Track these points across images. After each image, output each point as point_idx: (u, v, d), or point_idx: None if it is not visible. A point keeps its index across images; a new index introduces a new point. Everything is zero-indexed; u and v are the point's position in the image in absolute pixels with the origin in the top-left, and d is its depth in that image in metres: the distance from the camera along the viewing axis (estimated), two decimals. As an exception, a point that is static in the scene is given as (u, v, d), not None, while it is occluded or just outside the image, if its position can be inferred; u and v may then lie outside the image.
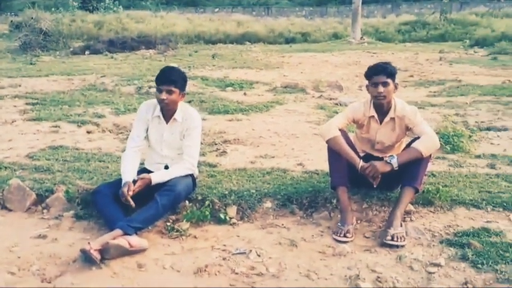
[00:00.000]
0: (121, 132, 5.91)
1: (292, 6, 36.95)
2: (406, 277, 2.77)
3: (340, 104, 7.50)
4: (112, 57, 14.31)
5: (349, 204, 3.42)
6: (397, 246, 3.09)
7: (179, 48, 16.97)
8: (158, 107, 3.59)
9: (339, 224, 3.34)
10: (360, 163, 3.36)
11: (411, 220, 3.45)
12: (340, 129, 3.48)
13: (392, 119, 3.57)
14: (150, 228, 3.32)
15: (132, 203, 3.23)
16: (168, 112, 3.55)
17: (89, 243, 2.88)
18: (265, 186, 3.88)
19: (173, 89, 3.43)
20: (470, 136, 5.16)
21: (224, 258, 3.01)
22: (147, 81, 9.14)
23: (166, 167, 3.61)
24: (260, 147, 5.22)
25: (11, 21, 23.10)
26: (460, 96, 8.18)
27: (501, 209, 3.53)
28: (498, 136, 5.57)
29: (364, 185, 3.66)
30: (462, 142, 4.92)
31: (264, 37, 21.42)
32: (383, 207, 3.60)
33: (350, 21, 21.30)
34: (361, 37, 20.13)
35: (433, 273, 2.79)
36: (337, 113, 6.92)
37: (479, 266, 2.81)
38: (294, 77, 10.32)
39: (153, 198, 3.28)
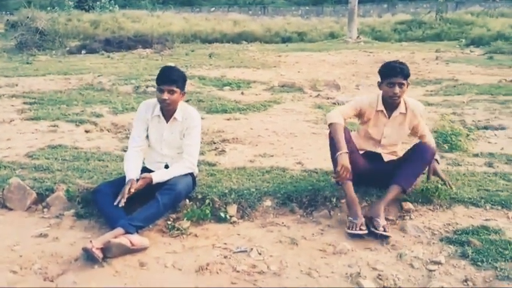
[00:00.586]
0: (119, 132, 5.91)
1: (289, 6, 36.99)
2: (407, 275, 2.79)
3: (338, 103, 7.52)
4: (109, 57, 14.29)
5: (356, 197, 3.44)
6: (388, 237, 3.19)
7: (176, 48, 16.96)
8: (157, 107, 3.60)
9: (350, 218, 3.34)
10: (341, 154, 3.37)
11: (410, 218, 3.47)
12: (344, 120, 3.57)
13: (402, 114, 3.65)
14: (151, 226, 3.33)
15: (123, 203, 3.22)
16: (168, 111, 3.56)
17: (90, 241, 2.89)
18: (265, 184, 3.89)
19: (175, 88, 3.44)
20: (467, 135, 5.19)
21: (225, 257, 3.02)
22: (144, 80, 9.14)
23: (167, 166, 3.62)
24: (259, 146, 5.23)
25: (7, 20, 23.04)
26: (456, 95, 8.23)
27: (499, 207, 3.56)
28: (495, 135, 5.61)
29: (363, 182, 3.69)
30: (460, 141, 4.96)
31: (261, 36, 21.44)
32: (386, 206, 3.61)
33: (346, 21, 21.35)
34: (358, 36, 20.18)
35: (434, 271, 2.81)
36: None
37: (479, 263, 2.83)
38: (291, 76, 10.34)
39: (154, 197, 3.29)
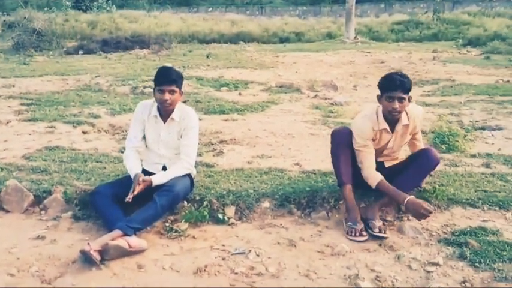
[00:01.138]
0: (117, 133, 5.90)
1: (286, 6, 36.97)
2: (405, 276, 2.80)
3: (336, 104, 7.52)
4: (106, 57, 14.25)
5: (355, 203, 3.43)
6: (384, 238, 3.21)
7: (173, 48, 16.92)
8: (155, 107, 3.59)
9: (349, 223, 3.34)
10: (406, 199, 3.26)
11: (408, 219, 3.48)
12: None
13: (406, 125, 3.51)
14: (149, 228, 3.33)
15: (131, 198, 3.24)
16: (166, 112, 3.55)
17: (88, 244, 2.88)
18: (263, 186, 3.89)
19: (175, 88, 3.45)
20: (465, 135, 5.19)
21: (223, 258, 3.02)
22: (142, 81, 9.12)
23: (164, 168, 3.61)
24: (257, 147, 5.23)
25: (4, 20, 22.91)
26: (454, 95, 8.24)
27: (497, 208, 3.57)
28: (492, 135, 5.62)
29: (361, 186, 3.68)
30: (457, 141, 4.96)
31: (258, 37, 21.42)
32: (381, 208, 3.61)
33: (343, 21, 21.35)
34: (355, 36, 20.18)
35: (432, 272, 2.82)
36: (332, 112, 6.99)
37: (477, 264, 2.84)
38: (288, 77, 10.33)
39: (152, 199, 3.29)
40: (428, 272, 2.82)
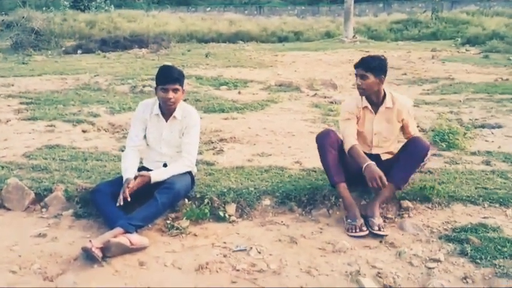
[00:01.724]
0: (117, 131, 5.90)
1: (284, 5, 36.95)
2: (406, 273, 2.80)
3: (335, 102, 7.52)
4: (105, 57, 14.25)
5: (352, 199, 3.46)
6: (383, 236, 3.21)
7: (172, 47, 16.92)
8: (156, 106, 3.59)
9: (348, 220, 3.35)
10: (369, 164, 3.35)
11: (409, 216, 3.48)
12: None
13: (389, 108, 3.63)
14: (150, 226, 3.33)
15: (122, 202, 3.22)
16: (168, 110, 3.55)
17: (90, 241, 2.88)
18: (264, 184, 3.89)
19: (178, 87, 3.45)
20: (465, 133, 5.21)
21: (225, 256, 3.02)
22: (141, 80, 9.12)
23: (165, 166, 3.62)
24: (257, 145, 5.23)
25: (2, 20, 22.88)
26: (453, 94, 8.25)
27: (497, 205, 3.57)
28: (492, 133, 5.63)
29: (361, 183, 3.69)
30: (457, 139, 4.97)
31: (257, 36, 21.42)
32: (381, 204, 3.62)
33: (342, 20, 21.36)
34: (354, 36, 20.19)
35: (433, 268, 2.82)
36: (332, 110, 7.00)
37: (478, 261, 2.85)
38: (288, 76, 10.34)
39: (153, 197, 3.29)
40: (430, 268, 2.83)
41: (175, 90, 3.45)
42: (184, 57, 13.79)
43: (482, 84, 9.00)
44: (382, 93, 3.63)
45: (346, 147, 3.54)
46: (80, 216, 3.50)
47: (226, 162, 4.53)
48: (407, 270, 2.83)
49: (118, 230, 3.03)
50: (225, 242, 3.19)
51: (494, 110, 6.80)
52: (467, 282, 2.70)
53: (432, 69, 11.28)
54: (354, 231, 3.26)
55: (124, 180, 3.34)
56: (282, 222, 3.49)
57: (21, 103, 7.27)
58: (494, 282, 2.67)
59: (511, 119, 6.23)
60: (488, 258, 2.85)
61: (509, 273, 2.71)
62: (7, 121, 6.13)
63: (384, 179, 3.27)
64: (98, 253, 2.83)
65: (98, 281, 2.72)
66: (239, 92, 8.50)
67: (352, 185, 3.61)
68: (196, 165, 3.89)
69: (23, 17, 17.72)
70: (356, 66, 3.59)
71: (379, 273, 2.79)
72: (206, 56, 13.84)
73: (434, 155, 4.73)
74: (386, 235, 3.22)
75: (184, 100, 7.12)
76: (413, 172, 3.63)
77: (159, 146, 3.62)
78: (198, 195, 3.66)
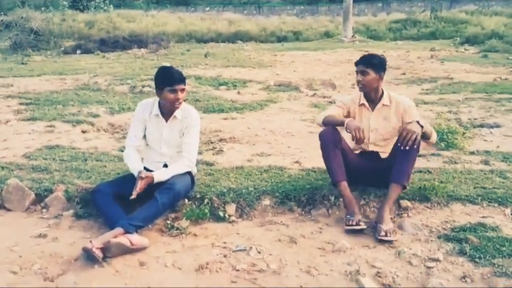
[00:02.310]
0: (116, 132, 5.91)
1: (284, 5, 36.96)
2: (406, 272, 2.81)
3: (334, 102, 7.52)
4: (104, 57, 14.26)
5: (353, 197, 3.46)
6: (391, 242, 3.15)
7: (171, 47, 16.94)
8: (156, 106, 3.60)
9: (347, 216, 3.36)
10: (348, 121, 3.47)
11: (408, 216, 3.49)
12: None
13: (386, 106, 3.68)
14: (150, 226, 3.34)
15: (135, 195, 3.25)
16: (170, 111, 3.56)
17: (90, 241, 2.89)
18: (263, 184, 3.90)
19: (184, 87, 3.49)
20: (463, 133, 5.22)
21: (225, 256, 3.03)
22: (141, 80, 9.12)
23: (165, 166, 3.62)
24: (256, 145, 5.25)
25: (1, 20, 22.88)
26: (452, 93, 8.27)
27: (496, 205, 3.58)
28: (491, 133, 5.64)
29: (361, 182, 3.71)
30: (456, 139, 4.99)
31: (256, 36, 21.46)
32: (380, 204, 3.63)
33: (341, 20, 21.38)
34: (353, 35, 20.22)
35: (432, 268, 2.83)
36: (331, 111, 7.02)
37: (477, 260, 2.86)
38: (287, 76, 10.35)
39: (153, 197, 3.30)
40: (429, 267, 2.84)
41: (182, 91, 3.48)
42: (183, 57, 13.81)
43: (481, 83, 9.01)
44: (381, 91, 3.70)
45: (319, 118, 3.65)
46: (81, 216, 3.50)
47: (226, 163, 4.54)
48: (407, 269, 2.84)
49: (118, 230, 3.04)
50: (225, 242, 3.20)
51: (493, 110, 6.81)
52: (466, 281, 2.71)
53: (431, 69, 11.30)
54: (350, 224, 3.29)
55: (136, 174, 3.37)
56: (281, 222, 3.50)
57: (20, 103, 7.27)
58: (493, 281, 2.68)
59: (509, 119, 6.25)
60: (487, 258, 2.86)
61: (507, 273, 2.72)
62: (7, 122, 6.14)
63: (361, 130, 3.36)
64: (99, 253, 2.84)
65: (99, 281, 2.73)
66: (238, 92, 8.51)
67: (353, 184, 3.61)
68: (196, 165, 3.90)
69: (22, 17, 17.71)
70: (357, 63, 3.68)
71: (378, 272, 2.80)
72: (205, 56, 13.85)
73: (433, 154, 4.75)
74: (391, 241, 3.15)
75: (184, 100, 7.16)
76: (413, 163, 3.45)
77: (159, 146, 3.63)
78: (198, 196, 3.67)
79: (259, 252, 3.06)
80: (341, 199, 3.58)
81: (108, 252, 2.91)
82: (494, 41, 16.24)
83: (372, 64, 3.59)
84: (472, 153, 4.82)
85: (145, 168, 3.66)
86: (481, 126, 5.95)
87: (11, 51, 15.54)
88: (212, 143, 5.28)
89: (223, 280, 2.78)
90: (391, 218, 3.40)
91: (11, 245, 3.12)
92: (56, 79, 9.72)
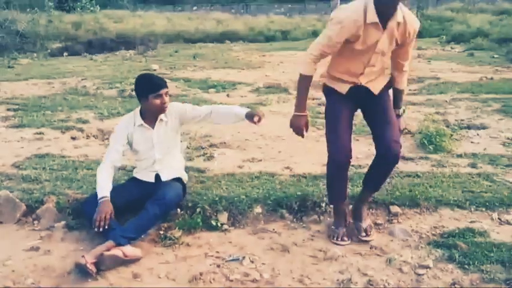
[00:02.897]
0: (106, 138, 5.87)
1: (271, 3, 37.01)
2: (396, 279, 2.86)
3: (323, 105, 7.56)
4: (91, 59, 14.17)
5: (345, 209, 3.44)
6: (368, 242, 3.27)
7: (159, 49, 16.89)
8: (137, 116, 3.58)
9: (332, 227, 3.39)
10: (296, 115, 3.33)
11: (398, 222, 3.54)
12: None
13: (399, 23, 2.97)
14: (143, 236, 3.34)
15: (101, 228, 3.14)
16: (155, 117, 3.57)
17: (83, 256, 2.89)
18: (255, 191, 3.92)
19: (168, 89, 3.53)
20: (451, 135, 5.29)
21: (218, 266, 3.05)
22: (129, 84, 9.05)
23: (157, 176, 3.62)
24: (247, 150, 5.26)
25: (-15, 22, 22.65)
26: (439, 94, 8.35)
27: (484, 209, 3.65)
28: (478, 135, 5.72)
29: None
30: (444, 141, 5.05)
31: (244, 36, 21.47)
32: (370, 210, 3.68)
33: (329, 18, 21.44)
34: (340, 34, 20.27)
35: (422, 275, 2.88)
36: (320, 113, 7.04)
37: (466, 266, 2.91)
38: (276, 77, 10.37)
39: (144, 208, 3.31)
40: (419, 275, 2.88)
41: (167, 94, 3.51)
42: (172, 59, 13.77)
43: (467, 83, 9.11)
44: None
45: (302, 70, 3.21)
46: (72, 228, 3.50)
47: (217, 169, 4.55)
48: (398, 277, 2.89)
49: (110, 243, 3.04)
50: (218, 252, 3.22)
51: (480, 110, 6.90)
52: (455, 287, 2.76)
53: (418, 68, 11.38)
54: (335, 238, 3.31)
55: (99, 197, 3.26)
56: (273, 230, 3.53)
57: (8, 109, 7.20)
58: (481, 287, 2.74)
59: (495, 120, 6.34)
60: (476, 264, 2.92)
61: (496, 278, 2.78)
62: (-5, 129, 6.09)
63: (303, 131, 3.27)
64: (93, 268, 2.84)
65: (93, 295, 2.74)
66: (228, 95, 8.52)
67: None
68: (187, 172, 3.93)
69: (7, 19, 17.52)
70: None
71: (370, 280, 2.85)
72: (194, 57, 13.85)
73: (421, 158, 4.81)
74: (371, 240, 3.27)
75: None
76: (387, 176, 3.38)
77: (152, 153, 3.61)
78: (190, 204, 3.68)
79: (252, 262, 3.09)
80: (332, 205, 3.63)
81: (102, 265, 2.91)
82: (480, 39, 16.41)
83: None
84: (460, 156, 4.89)
85: (137, 179, 3.68)
86: (468, 127, 6.03)
87: (-4, 55, 15.39)
88: (203, 148, 5.29)
89: (217, 291, 2.80)
90: (368, 215, 3.51)
91: (4, 258, 3.11)
92: (43, 83, 9.65)
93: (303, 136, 3.36)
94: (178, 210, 3.61)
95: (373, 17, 2.89)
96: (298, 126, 3.33)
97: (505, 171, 4.39)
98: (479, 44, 15.48)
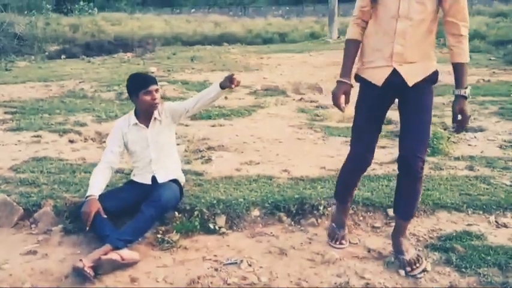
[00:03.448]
0: (104, 141, 5.86)
1: (269, 6, 37.07)
2: (394, 283, 2.86)
3: (321, 107, 7.60)
4: (89, 61, 14.18)
5: (348, 208, 3.40)
6: (418, 274, 2.89)
7: (157, 51, 16.89)
8: (132, 117, 3.63)
9: (333, 225, 3.36)
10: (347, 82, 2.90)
11: (396, 225, 3.54)
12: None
13: None
14: (140, 240, 3.34)
15: (88, 224, 3.21)
16: (149, 115, 3.60)
17: (81, 260, 2.89)
18: (252, 194, 3.93)
19: (158, 87, 3.57)
20: (448, 138, 5.30)
21: (216, 269, 3.05)
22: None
23: (154, 178, 3.62)
24: (244, 153, 5.27)
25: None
26: (437, 96, 8.32)
27: (481, 212, 3.66)
28: (475, 137, 5.74)
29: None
30: (441, 144, 5.07)
31: (242, 38, 21.53)
32: (368, 213, 3.69)
33: (327, 21, 21.52)
34: (338, 37, 20.34)
35: (419, 278, 2.88)
36: (317, 115, 7.08)
37: (463, 269, 2.92)
38: (273, 79, 10.40)
39: (140, 210, 3.30)
40: (417, 278, 2.89)
41: (157, 91, 3.55)
42: (169, 61, 13.78)
43: (464, 86, 9.11)
44: None
45: (347, 35, 2.93)
46: (70, 231, 3.49)
47: (215, 172, 4.55)
48: (395, 280, 2.89)
49: (108, 246, 3.04)
50: (215, 255, 3.22)
51: (477, 113, 6.93)
52: (453, 291, 2.77)
53: (416, 71, 11.39)
54: (334, 241, 3.30)
55: (87, 195, 3.31)
56: (271, 233, 3.53)
57: (5, 112, 7.19)
58: (478, 290, 2.75)
59: (492, 122, 6.37)
60: (473, 267, 2.93)
61: (492, 282, 2.79)
62: (-8, 132, 6.08)
63: (339, 101, 2.87)
64: (90, 272, 2.83)
65: (90, 299, 2.73)
66: (225, 97, 8.52)
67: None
68: (184, 175, 3.93)
69: (5, 22, 17.51)
70: None
71: (368, 284, 2.85)
72: (192, 59, 13.85)
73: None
74: (420, 275, 2.88)
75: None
76: (418, 199, 3.03)
77: (148, 152, 3.63)
78: (188, 207, 3.68)
79: (250, 265, 3.09)
80: (330, 208, 3.63)
81: (100, 269, 2.91)
82: (477, 41, 16.46)
83: None
84: (457, 158, 4.90)
85: (134, 182, 3.68)
86: (466, 130, 6.03)
87: (-6, 57, 15.38)
88: (201, 151, 5.29)
89: (215, 295, 2.80)
90: (410, 245, 3.10)
91: (1, 262, 3.10)
92: (41, 86, 9.64)
93: (339, 107, 2.93)
94: (176, 213, 3.60)
95: None
96: (336, 94, 2.90)
97: (502, 174, 4.40)
98: (476, 46, 15.51)
